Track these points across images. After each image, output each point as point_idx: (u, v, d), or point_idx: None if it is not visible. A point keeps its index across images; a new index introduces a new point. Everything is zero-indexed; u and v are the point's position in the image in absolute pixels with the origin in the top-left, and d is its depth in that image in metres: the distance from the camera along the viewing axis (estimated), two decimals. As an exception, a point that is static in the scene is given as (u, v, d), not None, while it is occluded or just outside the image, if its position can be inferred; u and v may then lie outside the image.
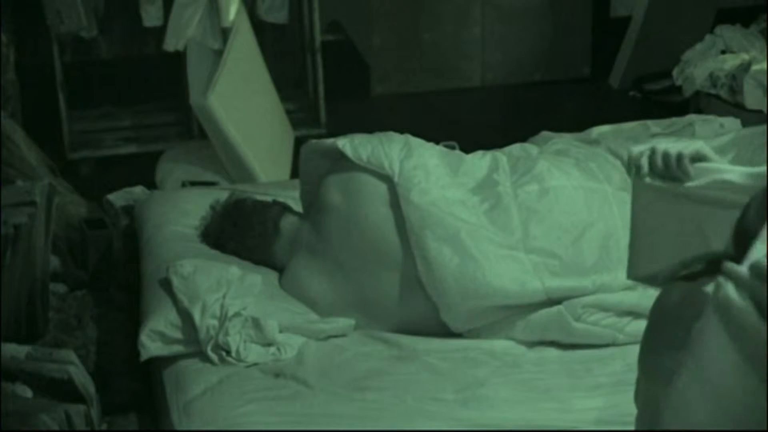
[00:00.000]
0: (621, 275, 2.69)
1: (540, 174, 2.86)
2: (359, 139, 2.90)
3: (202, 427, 2.38)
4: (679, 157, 1.81)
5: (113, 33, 5.19)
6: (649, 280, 1.89)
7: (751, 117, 4.27)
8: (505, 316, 2.69)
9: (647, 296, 2.70)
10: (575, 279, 2.67)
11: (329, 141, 2.93)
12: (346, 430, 2.34)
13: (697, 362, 1.40)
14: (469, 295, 2.65)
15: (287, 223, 2.96)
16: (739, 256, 1.44)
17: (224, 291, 2.69)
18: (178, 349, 2.65)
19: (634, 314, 2.69)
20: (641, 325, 2.64)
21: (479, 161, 2.96)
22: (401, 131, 2.98)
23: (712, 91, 4.77)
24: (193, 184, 4.06)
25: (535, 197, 2.80)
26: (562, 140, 3.38)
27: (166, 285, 2.78)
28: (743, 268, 1.33)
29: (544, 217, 2.76)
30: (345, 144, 2.87)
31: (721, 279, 1.34)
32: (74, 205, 3.72)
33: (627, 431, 1.82)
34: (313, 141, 3.02)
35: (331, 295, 2.79)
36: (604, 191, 2.84)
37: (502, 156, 3.01)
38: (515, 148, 3.21)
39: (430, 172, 2.81)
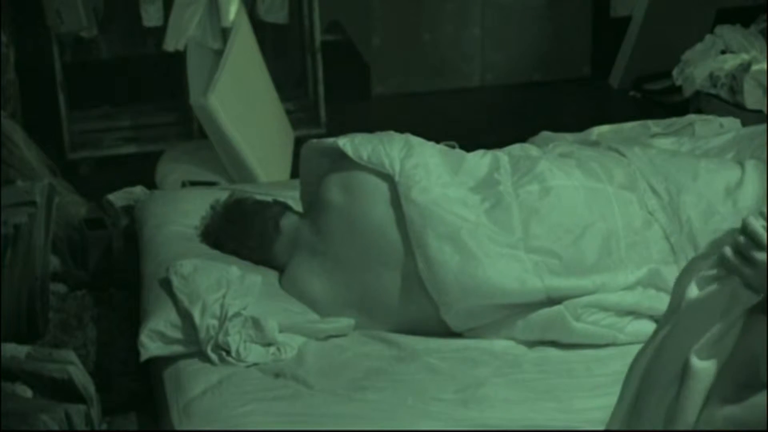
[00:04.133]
0: (621, 275, 2.71)
1: (541, 173, 2.85)
2: (360, 138, 2.89)
3: (202, 427, 2.38)
4: None
5: (113, 33, 5.19)
6: None
7: (751, 117, 4.27)
8: (505, 315, 2.68)
9: (647, 296, 2.72)
10: (575, 278, 2.67)
11: (330, 140, 2.93)
12: (346, 430, 2.34)
13: None
14: (469, 293, 2.65)
15: (287, 222, 2.96)
16: None
17: (224, 291, 2.69)
18: (178, 349, 2.65)
19: (634, 314, 2.69)
20: (641, 325, 2.67)
21: (480, 160, 2.95)
22: (401, 131, 2.98)
23: (712, 91, 4.76)
24: (193, 184, 4.06)
25: (536, 197, 2.80)
26: (564, 142, 3.37)
27: (166, 285, 2.78)
28: None
29: (545, 217, 2.76)
30: (345, 143, 2.87)
31: None
32: (74, 205, 3.72)
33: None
34: (314, 140, 3.02)
35: (332, 294, 2.79)
36: (605, 191, 2.84)
37: (503, 155, 3.01)
38: (515, 148, 3.21)
39: (431, 171, 2.81)
